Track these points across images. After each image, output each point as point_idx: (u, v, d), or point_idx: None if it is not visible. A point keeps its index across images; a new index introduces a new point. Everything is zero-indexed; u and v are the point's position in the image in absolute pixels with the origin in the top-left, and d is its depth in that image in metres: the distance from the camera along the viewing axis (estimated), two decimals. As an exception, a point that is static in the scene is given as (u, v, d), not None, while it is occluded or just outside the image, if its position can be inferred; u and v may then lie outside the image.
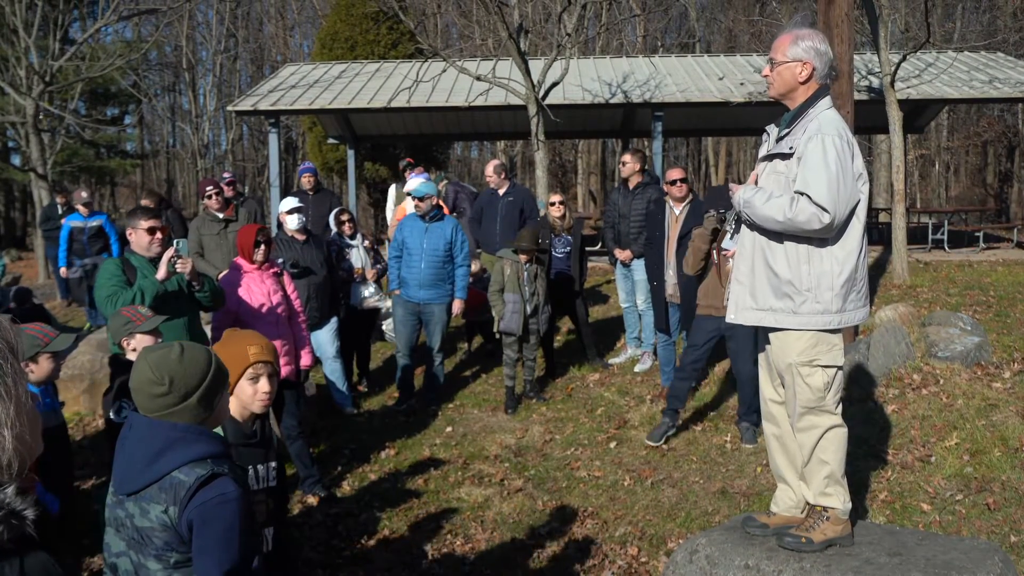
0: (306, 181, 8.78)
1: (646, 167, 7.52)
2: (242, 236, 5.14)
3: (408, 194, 7.50)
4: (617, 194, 7.53)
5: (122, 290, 4.34)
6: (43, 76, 14.70)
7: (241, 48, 30.12)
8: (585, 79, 13.63)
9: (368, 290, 7.11)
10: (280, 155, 14.10)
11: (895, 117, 9.81)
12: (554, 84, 11.06)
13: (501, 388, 6.99)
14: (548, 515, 4.82)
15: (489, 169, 8.28)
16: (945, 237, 13.02)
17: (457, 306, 6.82)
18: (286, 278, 5.36)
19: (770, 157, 3.18)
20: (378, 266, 7.32)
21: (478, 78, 10.89)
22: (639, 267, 7.20)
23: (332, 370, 6.63)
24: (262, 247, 5.10)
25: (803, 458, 3.20)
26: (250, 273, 5.09)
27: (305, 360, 5.29)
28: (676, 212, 6.41)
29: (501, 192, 8.07)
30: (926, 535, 3.33)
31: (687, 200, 6.41)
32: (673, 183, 6.42)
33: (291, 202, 6.46)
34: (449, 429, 6.34)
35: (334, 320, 6.57)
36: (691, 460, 5.43)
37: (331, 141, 17.59)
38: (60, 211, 11.19)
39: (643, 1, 26.23)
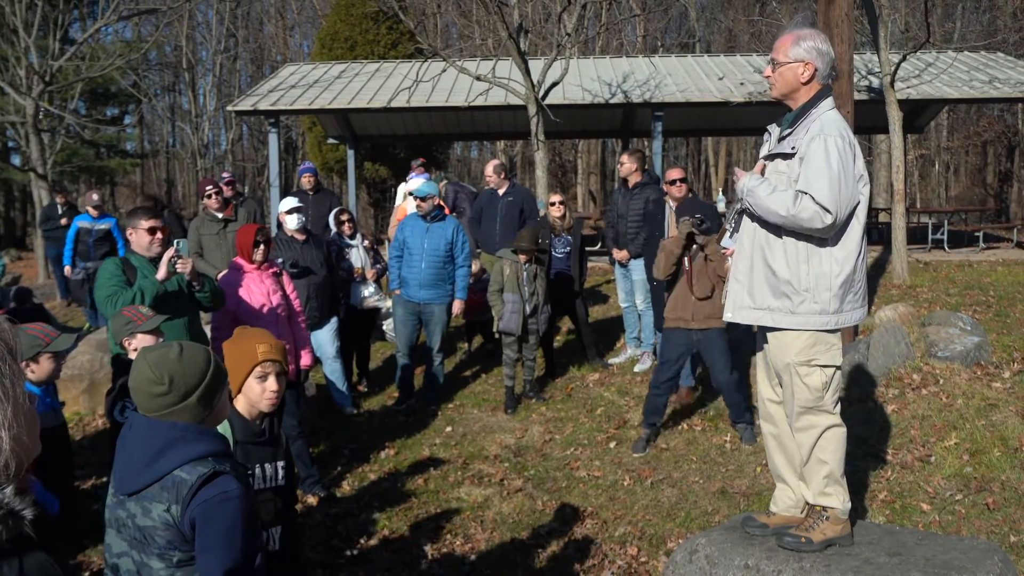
0: (306, 181, 8.77)
1: (646, 167, 7.52)
2: (241, 236, 5.13)
3: (410, 194, 7.50)
4: (617, 194, 7.54)
5: (122, 290, 4.34)
6: (43, 76, 14.70)
7: (241, 48, 30.11)
8: (585, 79, 13.62)
9: (368, 290, 7.11)
10: (280, 155, 14.10)
11: (895, 117, 9.80)
12: (554, 84, 11.06)
13: (501, 388, 6.99)
14: (548, 515, 4.82)
15: (489, 169, 8.27)
16: (945, 237, 13.02)
17: (457, 306, 6.83)
18: (285, 278, 5.35)
19: (772, 157, 3.18)
20: (378, 266, 7.32)
21: (478, 78, 10.89)
22: (638, 267, 7.21)
23: (332, 370, 6.63)
24: (261, 247, 5.09)
25: (802, 458, 3.20)
26: (250, 273, 5.08)
27: (305, 360, 5.28)
28: (676, 212, 6.42)
29: (501, 192, 8.06)
30: (926, 535, 3.33)
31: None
32: (673, 183, 6.42)
33: (291, 202, 6.46)
34: (449, 429, 6.34)
35: (334, 320, 6.57)
36: (691, 460, 5.43)
37: (331, 141, 17.60)
38: (60, 211, 11.19)
39: (643, 1, 26.23)
